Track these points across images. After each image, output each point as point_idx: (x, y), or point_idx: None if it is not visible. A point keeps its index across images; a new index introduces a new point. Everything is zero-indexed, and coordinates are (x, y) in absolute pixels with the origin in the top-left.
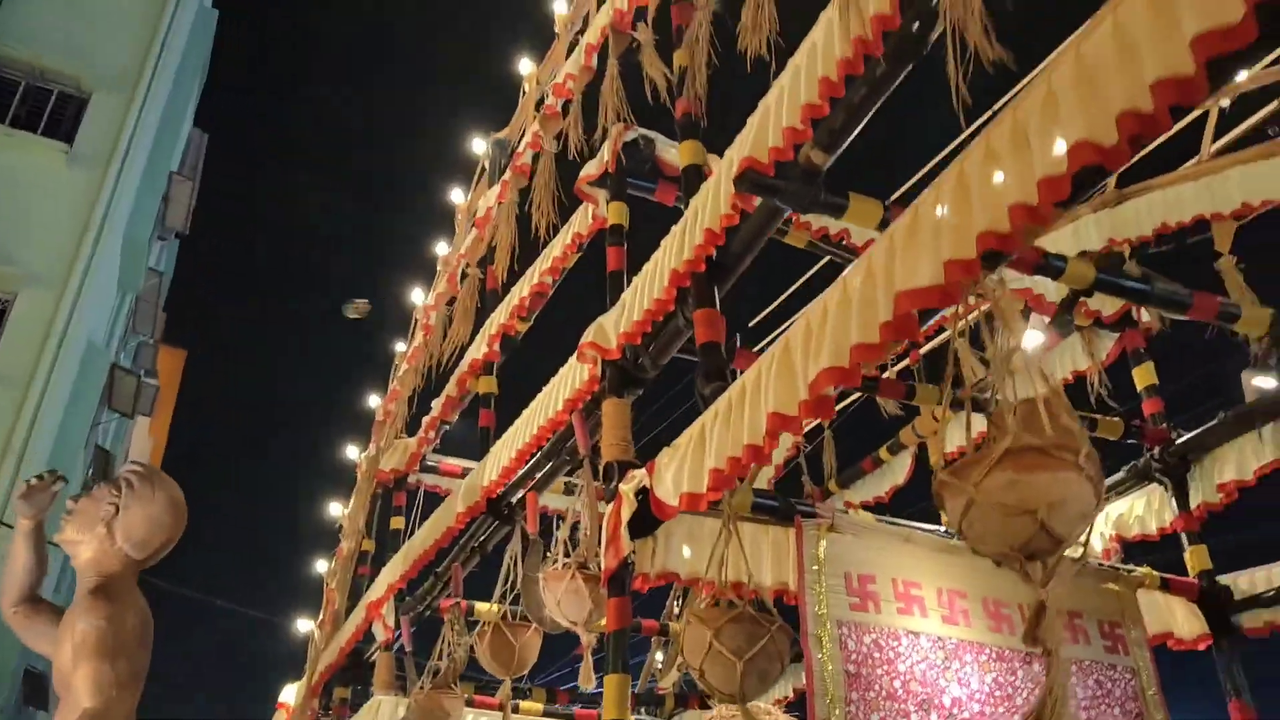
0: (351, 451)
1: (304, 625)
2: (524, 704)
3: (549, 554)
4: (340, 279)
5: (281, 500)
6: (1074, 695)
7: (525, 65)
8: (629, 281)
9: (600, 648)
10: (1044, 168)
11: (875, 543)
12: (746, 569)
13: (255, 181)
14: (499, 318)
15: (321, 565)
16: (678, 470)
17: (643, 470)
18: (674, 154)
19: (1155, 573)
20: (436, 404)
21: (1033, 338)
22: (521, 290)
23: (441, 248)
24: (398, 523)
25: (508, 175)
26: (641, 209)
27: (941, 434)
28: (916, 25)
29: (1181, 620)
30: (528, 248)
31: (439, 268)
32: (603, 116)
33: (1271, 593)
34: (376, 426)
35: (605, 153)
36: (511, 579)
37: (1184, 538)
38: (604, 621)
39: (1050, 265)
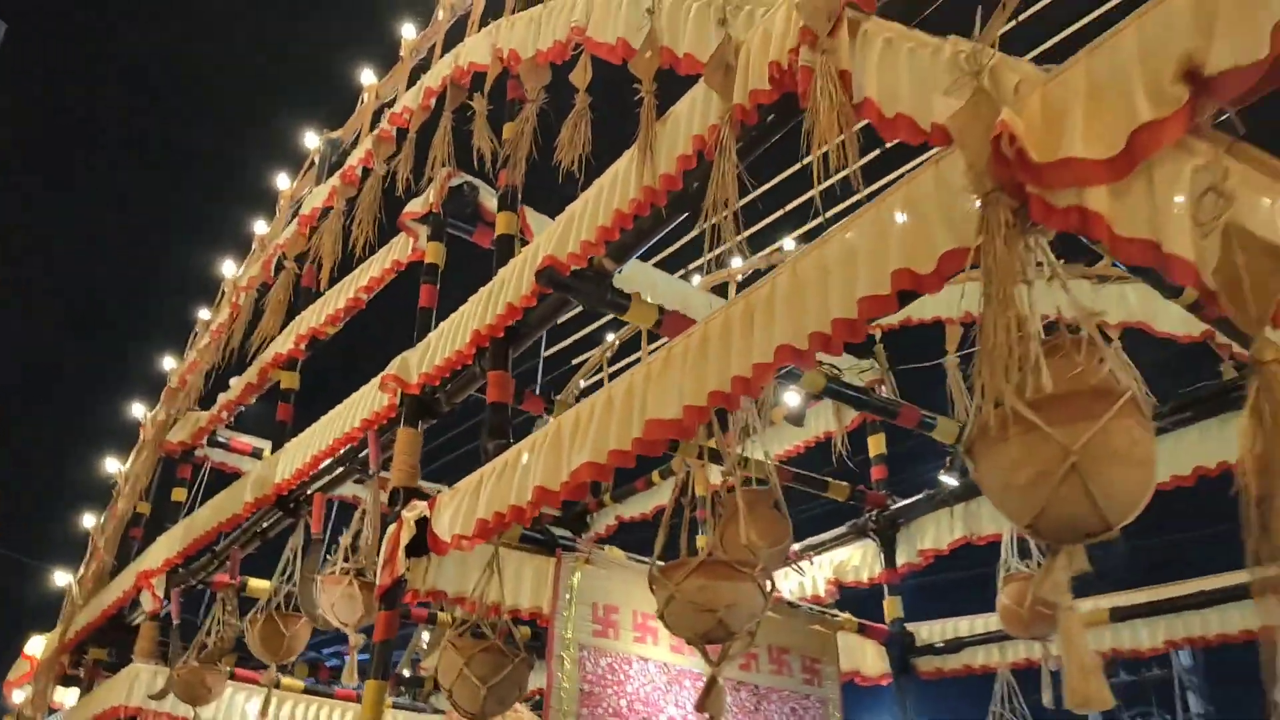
0: (137, 410)
1: (62, 578)
2: (286, 680)
3: (329, 556)
4: (149, 246)
5: (56, 445)
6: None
7: (367, 76)
8: (438, 318)
9: (366, 648)
10: (761, 355)
11: (623, 577)
12: (502, 598)
13: (58, 135)
14: (311, 319)
15: (89, 519)
16: (454, 513)
17: (425, 504)
18: (494, 202)
19: (854, 619)
20: (236, 386)
21: (791, 399)
22: (337, 300)
23: (260, 226)
24: (179, 494)
25: (336, 182)
26: (459, 244)
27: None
28: (695, 185)
29: (870, 659)
30: (346, 256)
31: (254, 247)
32: (432, 160)
33: (942, 644)
34: (169, 393)
35: (431, 194)
36: (289, 572)
37: (885, 589)
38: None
39: (791, 373)
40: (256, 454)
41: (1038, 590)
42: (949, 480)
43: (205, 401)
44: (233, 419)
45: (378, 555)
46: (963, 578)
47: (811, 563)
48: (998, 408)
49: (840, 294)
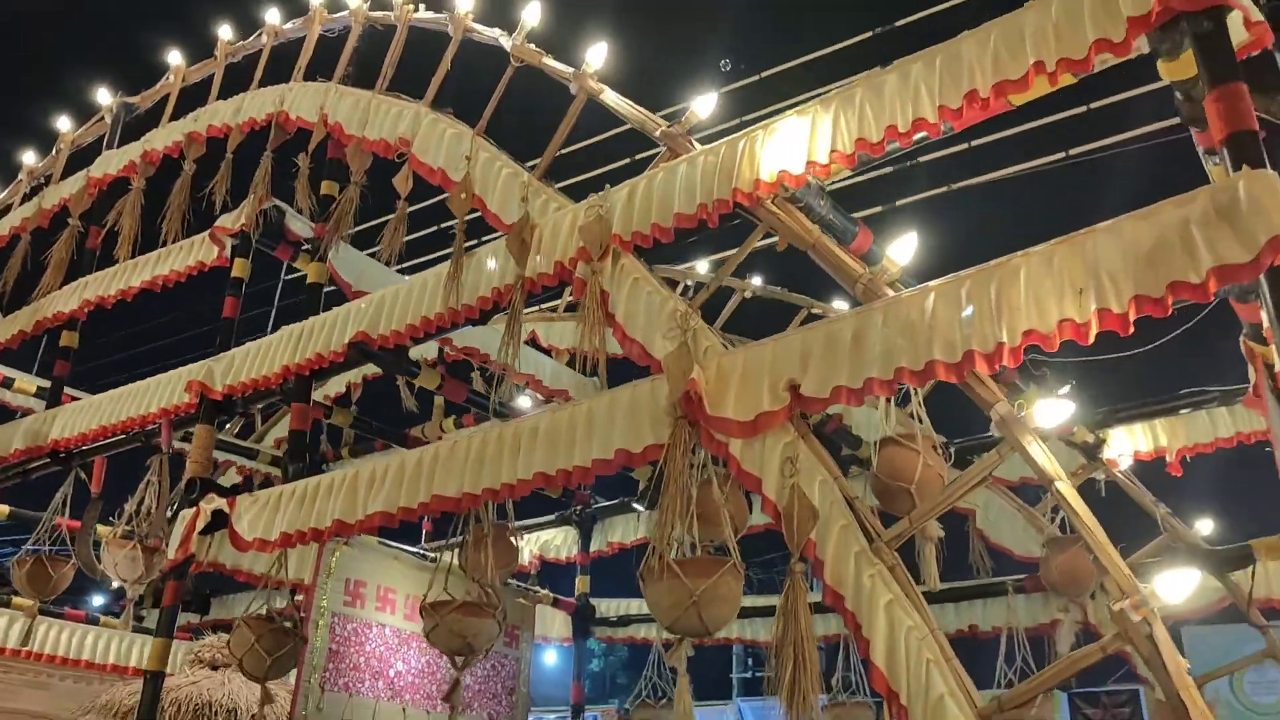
0: None
1: None
2: (15, 600)
3: (114, 519)
4: None
5: None
6: (473, 673)
7: (175, 56)
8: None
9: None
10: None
11: (372, 558)
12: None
13: None
14: (100, 288)
15: None
16: (254, 519)
17: (224, 500)
18: (299, 225)
19: (550, 593)
20: (4, 329)
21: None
22: (131, 278)
23: (29, 157)
24: None
25: (136, 157)
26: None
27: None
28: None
29: (559, 625)
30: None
31: (21, 176)
32: (254, 188)
33: (615, 618)
34: None
35: (244, 216)
36: (53, 530)
37: (579, 568)
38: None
39: None
40: (7, 383)
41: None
42: (638, 506)
43: None
44: None
45: (161, 528)
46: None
47: (523, 539)
48: (660, 559)
49: (581, 449)
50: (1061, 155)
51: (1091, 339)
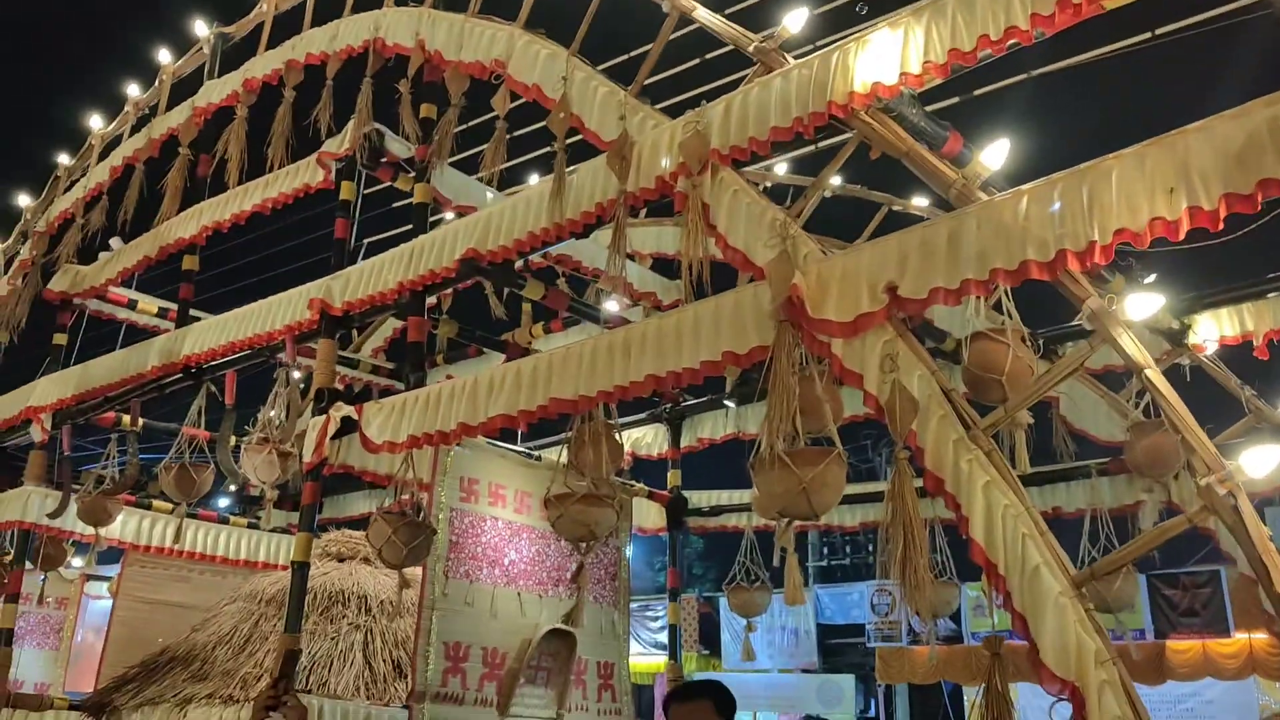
0: None
1: None
2: (156, 503)
3: (249, 427)
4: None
5: None
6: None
7: None
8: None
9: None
10: None
11: (483, 457)
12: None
13: None
14: (216, 213)
15: None
16: (381, 424)
17: (351, 408)
18: (397, 146)
19: (645, 486)
20: (127, 253)
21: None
22: (243, 202)
23: (133, 89)
24: (60, 339)
25: (238, 86)
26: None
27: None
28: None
29: (653, 516)
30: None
31: (127, 108)
32: (359, 114)
33: (707, 508)
34: (37, 236)
35: (348, 140)
36: (194, 440)
37: (670, 463)
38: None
39: None
40: (132, 304)
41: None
42: (729, 403)
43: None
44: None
45: (292, 435)
46: (730, 460)
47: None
48: (771, 450)
49: (689, 353)
50: (1147, 35)
51: (1182, 235)
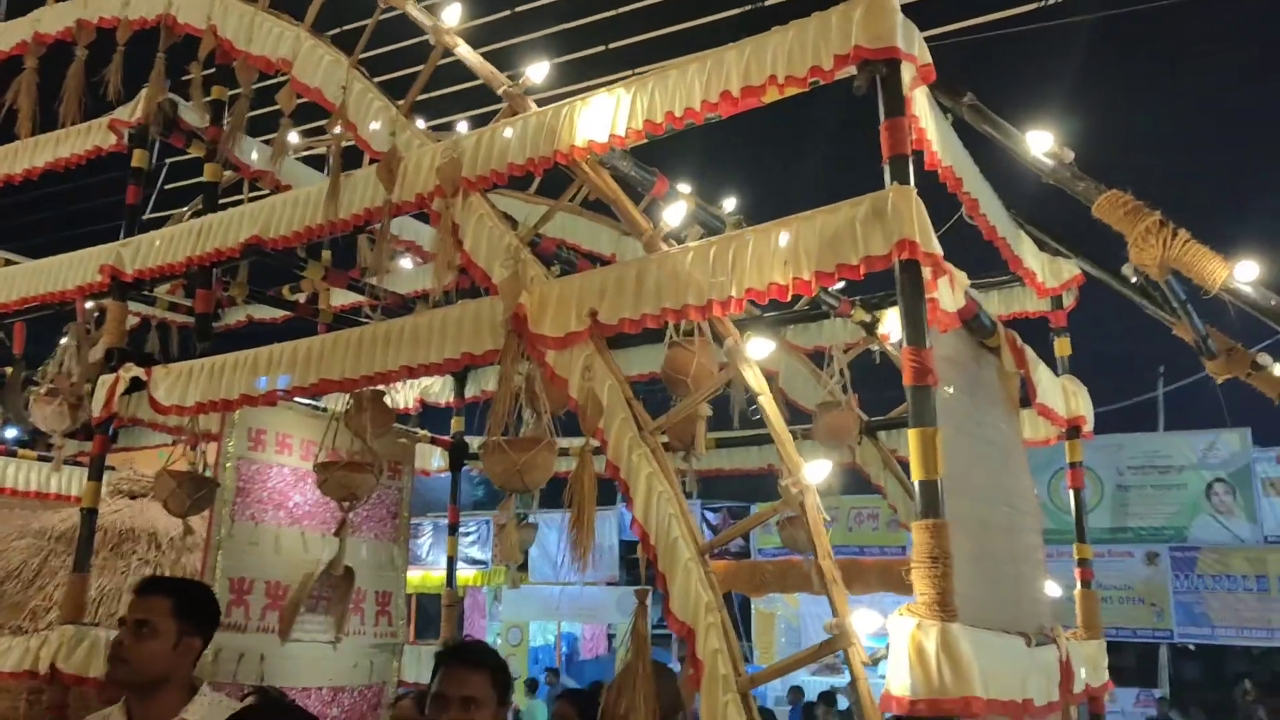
0: None
1: None
2: None
3: (35, 375)
4: None
5: None
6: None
7: None
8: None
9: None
10: None
11: (269, 410)
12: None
13: None
14: (7, 164)
15: None
16: (169, 388)
17: (140, 370)
18: (192, 116)
19: (429, 433)
20: None
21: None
22: (34, 157)
23: None
24: None
25: (28, 37)
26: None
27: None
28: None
29: (435, 459)
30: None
31: None
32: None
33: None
34: None
35: (139, 110)
36: None
37: (454, 411)
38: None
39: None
40: None
41: (501, 507)
42: None
43: None
44: None
45: (81, 390)
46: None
47: (407, 385)
48: (493, 439)
49: (436, 349)
50: None
51: (789, 297)
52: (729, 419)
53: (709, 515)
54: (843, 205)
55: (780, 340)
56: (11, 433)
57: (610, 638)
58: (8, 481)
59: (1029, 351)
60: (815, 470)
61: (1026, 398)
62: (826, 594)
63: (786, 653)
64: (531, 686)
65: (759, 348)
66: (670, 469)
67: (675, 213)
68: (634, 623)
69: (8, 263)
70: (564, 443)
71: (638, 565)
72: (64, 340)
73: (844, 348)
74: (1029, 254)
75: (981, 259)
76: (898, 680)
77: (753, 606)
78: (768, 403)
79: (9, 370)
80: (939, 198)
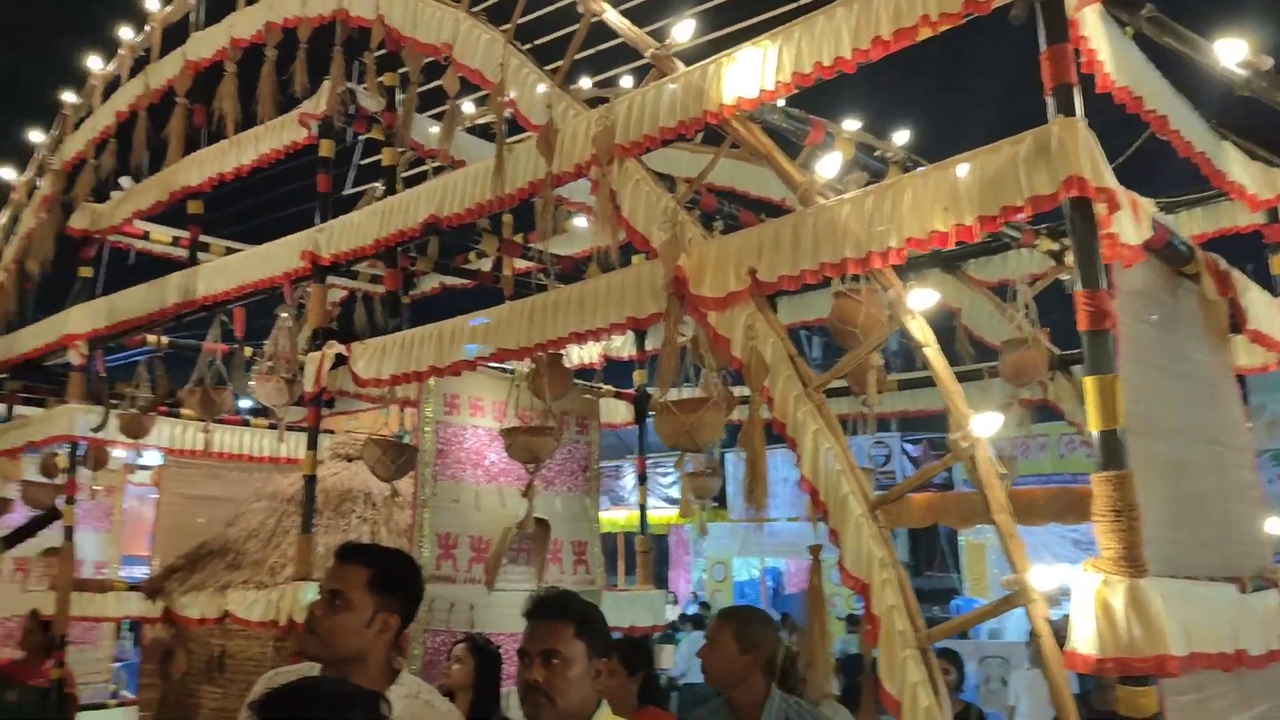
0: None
1: None
2: (184, 412)
3: (256, 355)
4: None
5: None
6: (555, 458)
7: None
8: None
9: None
10: None
11: (462, 377)
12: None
13: None
14: (217, 164)
15: None
16: (367, 363)
17: (343, 346)
18: (369, 101)
19: (612, 388)
20: (138, 195)
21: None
22: (241, 156)
23: (125, 32)
24: (86, 271)
25: (225, 43)
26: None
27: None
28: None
29: (621, 413)
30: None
31: (122, 51)
32: (332, 77)
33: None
34: (54, 175)
35: (323, 102)
36: (212, 363)
37: (636, 365)
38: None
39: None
40: (146, 235)
41: (678, 465)
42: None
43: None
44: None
45: (295, 368)
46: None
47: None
48: (661, 400)
49: (601, 315)
50: None
51: (951, 244)
52: (913, 360)
53: (908, 447)
54: (1003, 144)
55: (962, 276)
56: (245, 403)
57: None
58: (244, 448)
59: (1236, 275)
60: (985, 422)
61: (1236, 324)
62: (1005, 550)
63: (998, 586)
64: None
65: (922, 298)
66: (836, 424)
67: (831, 163)
68: (810, 579)
69: (228, 251)
70: (738, 391)
71: None
72: (281, 317)
73: (1029, 280)
74: (1236, 166)
75: (1181, 178)
76: (1083, 638)
77: (960, 538)
78: (934, 355)
79: (235, 351)
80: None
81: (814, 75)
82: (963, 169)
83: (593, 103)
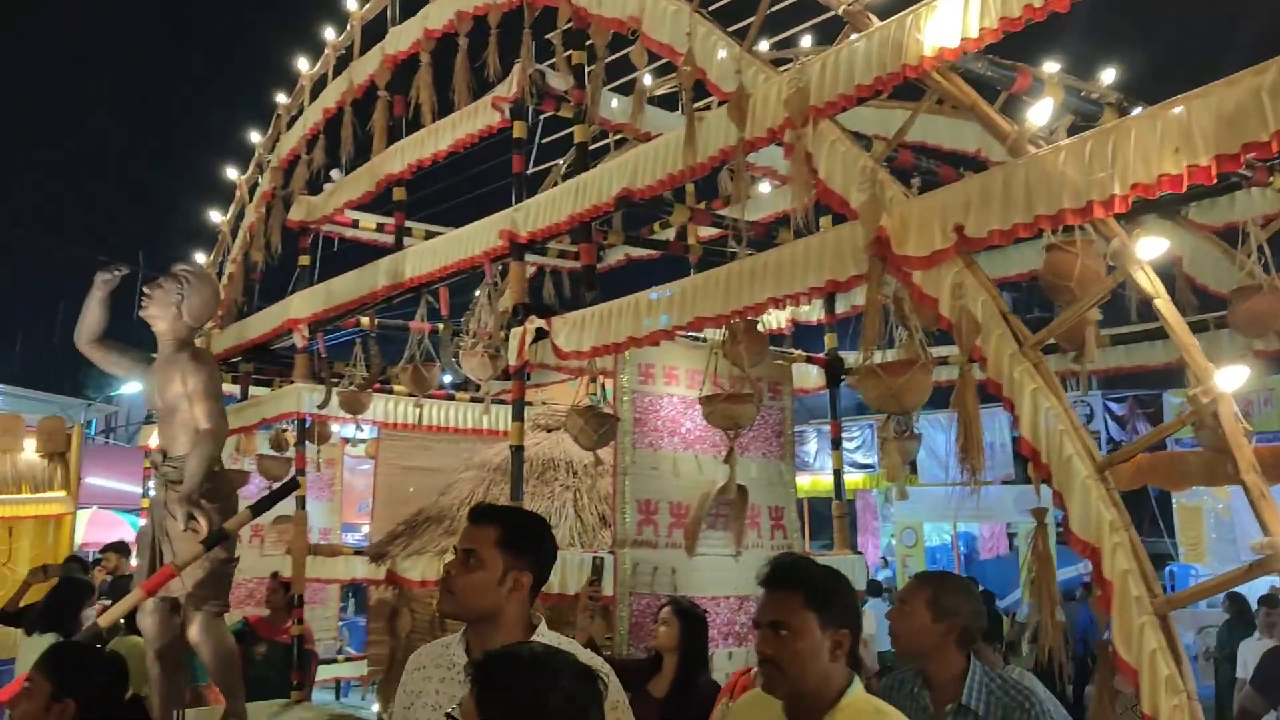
0: (230, 172)
1: None
2: (396, 388)
3: (459, 332)
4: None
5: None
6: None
7: None
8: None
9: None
10: None
11: (656, 347)
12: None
13: None
14: (418, 151)
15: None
16: (567, 336)
17: (543, 320)
18: (557, 81)
19: (802, 352)
20: (347, 186)
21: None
22: (439, 142)
23: (329, 33)
24: (304, 260)
25: (420, 35)
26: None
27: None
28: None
29: (813, 378)
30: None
31: (326, 51)
32: (522, 57)
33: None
34: (273, 171)
35: (514, 85)
36: (421, 341)
37: (825, 328)
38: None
39: None
40: (354, 224)
41: (880, 431)
42: None
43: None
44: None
45: (501, 339)
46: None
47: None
48: (866, 364)
49: (800, 280)
50: None
51: (1184, 189)
52: (1125, 314)
53: (1112, 406)
54: (1243, 75)
55: (1182, 221)
56: (448, 378)
57: (1010, 536)
58: (450, 421)
59: None
60: (1230, 376)
61: None
62: (1256, 511)
63: (1217, 550)
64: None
65: (1151, 247)
66: (1056, 383)
67: (1042, 110)
68: (1034, 543)
69: (427, 234)
70: (938, 352)
71: None
72: (476, 294)
73: (1261, 221)
74: None
75: None
76: None
77: (1174, 501)
78: (1165, 306)
79: (441, 328)
80: None
81: (1023, 19)
82: (1196, 105)
83: (776, 65)
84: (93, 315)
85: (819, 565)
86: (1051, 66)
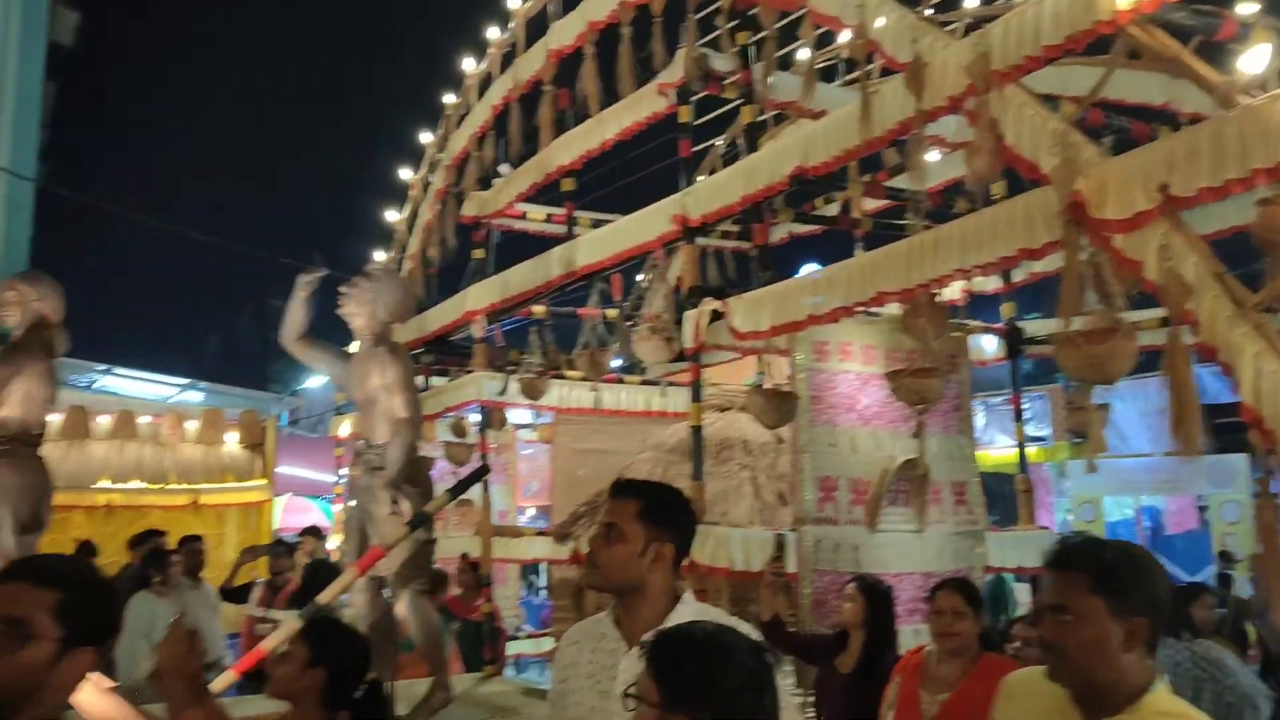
0: (404, 172)
1: None
2: (569, 374)
3: (635, 317)
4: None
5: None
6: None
7: None
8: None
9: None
10: None
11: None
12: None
13: None
14: (585, 141)
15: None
16: (744, 316)
17: (719, 302)
18: (720, 63)
19: (980, 323)
20: (517, 179)
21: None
22: (605, 132)
23: (493, 32)
24: (479, 253)
25: (583, 28)
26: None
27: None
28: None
29: (991, 348)
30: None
31: (491, 50)
32: (687, 42)
33: (1042, 337)
34: (446, 169)
35: (680, 70)
36: (595, 327)
37: (1002, 298)
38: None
39: None
40: (522, 215)
41: (1077, 401)
42: None
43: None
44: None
45: (674, 323)
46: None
47: None
48: (1066, 333)
49: (988, 250)
50: None
51: None
52: None
53: None
54: None
55: None
56: (617, 362)
57: (1201, 509)
58: (622, 404)
59: None
60: None
61: None
62: None
63: None
64: None
65: None
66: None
67: (1254, 56)
68: (1259, 512)
69: (594, 222)
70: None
71: (1227, 430)
72: (638, 278)
73: None
74: None
75: None
76: None
77: None
78: None
79: (614, 314)
80: None
81: None
82: None
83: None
84: (297, 315)
85: (1113, 545)
86: (1249, 6)
